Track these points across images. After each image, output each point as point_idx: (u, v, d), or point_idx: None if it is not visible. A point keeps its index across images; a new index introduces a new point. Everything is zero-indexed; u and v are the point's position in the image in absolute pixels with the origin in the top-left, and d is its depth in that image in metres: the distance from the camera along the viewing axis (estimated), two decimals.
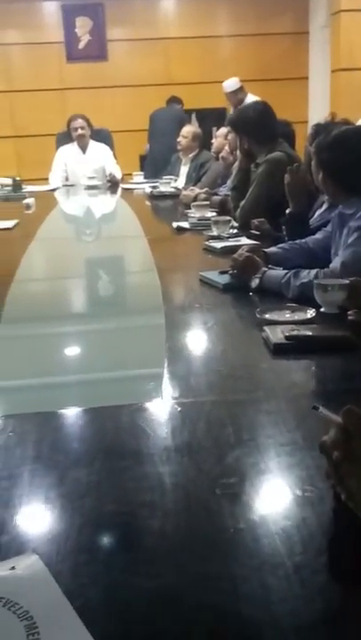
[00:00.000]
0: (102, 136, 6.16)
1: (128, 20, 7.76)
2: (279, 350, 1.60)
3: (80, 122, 5.87)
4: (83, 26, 7.76)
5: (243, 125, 3.40)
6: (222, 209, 3.72)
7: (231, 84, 6.34)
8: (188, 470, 1.11)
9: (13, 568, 0.90)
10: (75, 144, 5.96)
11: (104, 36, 7.82)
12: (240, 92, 6.26)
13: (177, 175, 5.60)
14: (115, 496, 1.04)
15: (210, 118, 7.40)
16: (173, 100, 7.36)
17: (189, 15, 7.89)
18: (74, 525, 0.98)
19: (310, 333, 1.66)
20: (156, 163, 6.63)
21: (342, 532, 0.93)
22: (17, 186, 5.61)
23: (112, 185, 5.68)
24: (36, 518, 1.00)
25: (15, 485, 1.08)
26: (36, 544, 0.93)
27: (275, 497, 1.02)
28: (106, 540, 0.94)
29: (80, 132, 5.87)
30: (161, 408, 1.36)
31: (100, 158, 5.97)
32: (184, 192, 4.31)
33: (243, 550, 0.91)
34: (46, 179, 6.04)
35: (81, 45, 7.83)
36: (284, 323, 1.74)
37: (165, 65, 7.88)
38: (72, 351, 1.87)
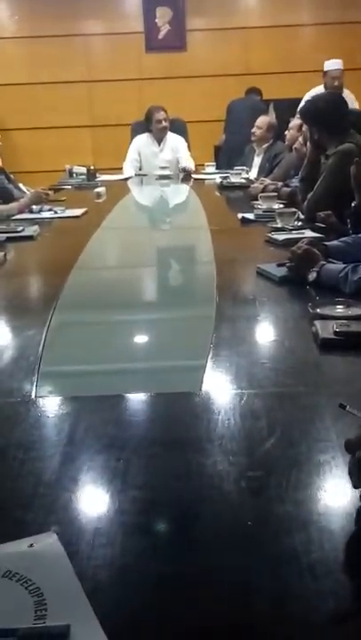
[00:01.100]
0: (177, 126, 6.17)
1: (208, 9, 7.72)
2: (327, 345, 1.56)
3: (163, 114, 5.89)
4: (163, 16, 7.78)
5: (313, 116, 3.33)
6: (291, 201, 3.66)
7: (335, 63, 5.95)
8: (216, 461, 1.10)
9: (32, 545, 0.92)
10: (150, 134, 5.99)
11: (184, 26, 7.81)
12: (339, 78, 5.96)
13: (250, 166, 5.56)
14: (141, 482, 1.05)
15: (288, 109, 7.29)
16: (252, 90, 7.28)
17: (269, 4, 7.78)
18: (96, 508, 0.99)
19: None
20: (230, 153, 6.59)
21: None
22: (91, 174, 5.71)
23: (184, 176, 5.69)
24: (62, 499, 1.02)
25: (47, 466, 1.11)
26: (57, 523, 0.95)
27: (299, 492, 1.00)
28: (124, 524, 0.95)
29: (163, 124, 5.89)
30: (198, 399, 1.35)
31: (174, 149, 5.98)
32: (253, 185, 4.27)
33: (259, 544, 0.90)
34: (121, 168, 6.11)
35: (160, 35, 7.85)
36: (336, 318, 1.70)
37: (244, 54, 7.80)
38: (117, 339, 1.89)
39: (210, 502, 1.00)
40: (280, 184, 4.19)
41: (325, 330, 1.62)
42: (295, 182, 4.07)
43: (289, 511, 0.96)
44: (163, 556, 0.88)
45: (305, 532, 0.90)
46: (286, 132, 4.98)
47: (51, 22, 7.66)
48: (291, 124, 4.78)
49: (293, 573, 0.83)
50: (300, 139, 4.29)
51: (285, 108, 7.43)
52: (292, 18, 7.72)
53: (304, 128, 4.17)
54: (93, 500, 1.01)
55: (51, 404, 1.38)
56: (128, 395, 1.40)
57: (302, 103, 3.87)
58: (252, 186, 4.28)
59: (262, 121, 5.47)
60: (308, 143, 3.53)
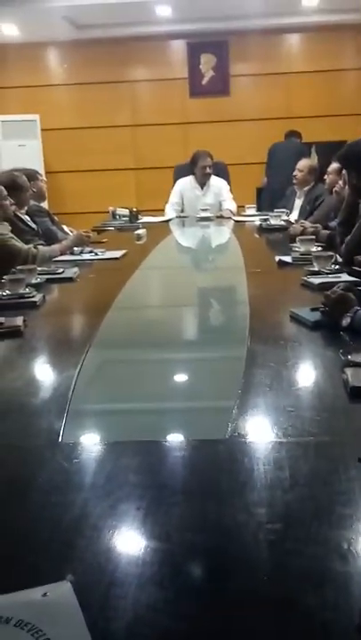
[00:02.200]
0: (219, 169, 6.25)
1: (251, 55, 7.89)
2: (357, 394, 1.54)
3: (209, 161, 5.96)
4: (207, 62, 7.97)
5: (352, 161, 3.34)
6: (330, 244, 3.66)
7: None
8: (236, 512, 1.09)
9: (45, 594, 0.92)
10: (194, 177, 6.07)
11: (227, 72, 7.98)
12: None
13: (291, 208, 5.59)
14: (158, 532, 1.04)
15: (330, 151, 7.33)
16: (292, 133, 7.37)
17: (311, 50, 7.90)
18: (113, 558, 0.99)
19: None
20: (273, 195, 6.65)
21: None
22: (133, 216, 5.81)
23: (225, 218, 5.74)
24: (78, 547, 1.02)
25: (66, 511, 1.11)
26: (72, 572, 0.95)
27: (317, 547, 0.98)
28: (138, 576, 0.94)
29: (208, 170, 5.98)
30: (222, 446, 1.34)
31: (217, 193, 6.06)
32: (292, 226, 4.28)
33: (274, 602, 0.88)
34: (164, 210, 6.20)
35: (204, 81, 8.03)
36: None
37: (286, 99, 7.92)
38: (146, 379, 1.90)
39: (226, 555, 0.99)
40: (320, 226, 4.20)
41: (356, 378, 1.59)
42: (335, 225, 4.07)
43: (305, 566, 0.94)
44: (175, 611, 0.87)
45: (321, 589, 0.88)
46: (325, 177, 5.00)
47: (99, 69, 7.93)
48: (330, 168, 4.80)
49: (305, 632, 0.81)
50: (340, 182, 4.31)
51: (327, 151, 7.48)
52: (333, 63, 7.83)
53: (344, 171, 4.20)
54: (110, 550, 1.01)
55: (76, 449, 1.38)
56: (152, 440, 1.40)
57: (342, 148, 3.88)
58: (291, 227, 4.29)
59: (304, 164, 5.51)
60: (347, 187, 3.54)
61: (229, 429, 1.40)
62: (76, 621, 0.86)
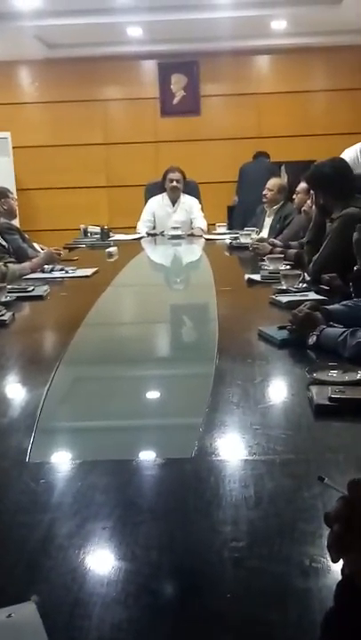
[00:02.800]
0: (190, 188, 6.31)
1: (221, 76, 8.00)
2: (321, 411, 1.57)
3: (177, 175, 6.04)
4: (177, 82, 8.06)
5: (318, 181, 3.41)
6: (297, 262, 3.71)
7: None
8: (200, 530, 1.10)
9: (10, 615, 0.92)
10: (165, 195, 6.13)
11: (198, 92, 8.08)
12: None
13: (261, 227, 5.65)
14: (123, 552, 1.05)
15: (300, 171, 7.44)
16: (260, 154, 7.47)
17: (281, 71, 8.05)
18: (78, 578, 0.99)
19: (357, 396, 1.62)
20: (245, 214, 6.72)
21: (343, 606, 0.90)
22: (104, 234, 5.83)
23: (196, 236, 5.79)
24: (44, 567, 1.02)
25: (33, 533, 1.11)
26: (37, 593, 0.95)
27: (280, 565, 1.00)
28: (103, 595, 0.94)
29: (175, 184, 6.04)
30: (189, 465, 1.36)
31: (188, 211, 6.12)
32: (259, 244, 4.33)
33: (237, 619, 0.89)
34: (135, 227, 6.23)
35: (175, 101, 8.12)
36: (332, 383, 1.70)
37: (256, 119, 8.03)
38: (114, 396, 1.91)
39: (191, 574, 1.00)
40: (292, 243, 4.25)
41: (320, 395, 1.62)
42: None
43: (268, 583, 0.95)
44: (138, 630, 0.88)
45: (282, 606, 0.89)
46: (294, 196, 5.07)
47: (71, 88, 7.97)
48: (298, 188, 4.87)
49: None
50: (309, 201, 4.38)
51: (297, 170, 7.59)
52: (302, 84, 7.97)
53: (311, 191, 4.27)
54: (75, 570, 1.01)
55: (43, 469, 1.38)
56: (119, 459, 1.41)
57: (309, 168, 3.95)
58: (259, 245, 4.33)
59: (273, 183, 5.58)
60: (314, 206, 3.60)
61: (196, 447, 1.42)
62: None
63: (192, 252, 5.23)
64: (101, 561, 1.03)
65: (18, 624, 0.90)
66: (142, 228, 6.14)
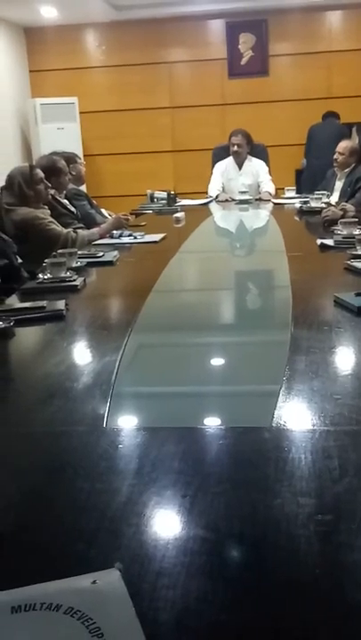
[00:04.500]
0: (258, 151, 6.18)
1: (291, 34, 7.74)
2: None
3: (237, 139, 5.92)
4: (246, 42, 7.84)
5: None
6: None
7: None
8: (284, 503, 1.07)
9: (95, 582, 0.91)
10: (231, 158, 6.03)
11: (266, 52, 7.85)
12: None
13: (331, 190, 5.49)
14: (205, 522, 1.03)
15: None
16: (330, 114, 7.23)
17: (352, 27, 7.71)
18: (160, 547, 0.98)
19: None
20: (314, 177, 6.55)
21: None
22: (171, 199, 5.78)
23: (264, 200, 5.68)
24: (126, 535, 1.01)
25: (113, 499, 1.11)
26: (120, 560, 0.94)
27: None
28: (188, 565, 0.93)
29: (236, 148, 5.93)
30: (268, 434, 1.33)
31: (255, 174, 5.99)
32: (332, 209, 4.20)
33: (325, 594, 0.86)
34: (201, 192, 6.16)
35: (243, 61, 7.91)
36: None
37: (327, 78, 7.76)
38: (190, 363, 1.89)
39: (275, 546, 0.97)
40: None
41: None
42: None
43: (358, 560, 0.91)
44: (223, 601, 0.86)
45: None
46: None
47: (137, 51, 7.87)
48: None
49: (356, 629, 0.79)
50: None
51: None
52: None
53: None
54: (157, 538, 1.00)
55: (120, 435, 1.38)
56: (197, 427, 1.39)
57: None
58: (331, 210, 4.20)
59: (344, 146, 5.40)
60: None
61: (274, 416, 1.38)
62: (126, 610, 0.85)
63: (260, 217, 5.14)
64: (183, 530, 1.02)
65: (103, 590, 0.89)
66: (213, 190, 6.04)
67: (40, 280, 2.74)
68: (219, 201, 5.88)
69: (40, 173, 3.82)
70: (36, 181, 3.77)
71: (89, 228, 4.15)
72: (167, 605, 0.85)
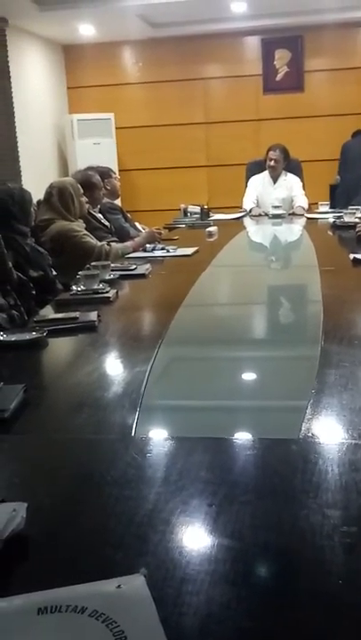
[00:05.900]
0: (292, 166, 6.18)
1: (326, 50, 7.74)
2: None
3: (275, 154, 5.93)
4: (281, 58, 7.87)
5: None
6: None
7: None
8: (310, 513, 1.07)
9: (120, 586, 0.93)
10: (266, 173, 6.04)
11: (302, 67, 7.87)
12: None
13: None
14: (230, 530, 1.04)
15: None
16: (359, 132, 7.21)
17: None
18: (185, 554, 0.99)
19: None
20: (348, 192, 6.53)
21: None
22: (204, 213, 5.81)
23: (297, 215, 5.67)
24: (152, 541, 1.03)
25: (140, 505, 1.12)
26: (145, 566, 0.95)
27: None
28: (212, 573, 0.94)
29: (273, 163, 5.94)
30: (295, 446, 1.33)
31: (289, 189, 6.00)
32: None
33: (347, 606, 0.86)
34: (235, 207, 6.18)
35: (278, 77, 7.94)
36: None
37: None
38: (219, 376, 1.90)
39: (299, 556, 0.97)
40: None
41: None
42: None
43: None
44: (247, 609, 0.87)
45: None
46: None
47: (172, 67, 7.95)
48: None
49: None
50: None
51: None
52: None
53: None
54: (183, 545, 1.01)
55: (149, 443, 1.40)
56: (225, 437, 1.40)
57: None
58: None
59: None
60: None
61: (302, 429, 1.39)
62: (150, 615, 0.87)
63: (293, 232, 5.13)
64: (208, 538, 1.03)
65: (127, 595, 0.91)
66: (248, 203, 6.05)
67: (74, 292, 2.78)
68: (252, 215, 5.89)
69: (79, 188, 3.91)
70: (80, 195, 3.86)
71: (123, 242, 4.20)
72: (190, 611, 0.86)
